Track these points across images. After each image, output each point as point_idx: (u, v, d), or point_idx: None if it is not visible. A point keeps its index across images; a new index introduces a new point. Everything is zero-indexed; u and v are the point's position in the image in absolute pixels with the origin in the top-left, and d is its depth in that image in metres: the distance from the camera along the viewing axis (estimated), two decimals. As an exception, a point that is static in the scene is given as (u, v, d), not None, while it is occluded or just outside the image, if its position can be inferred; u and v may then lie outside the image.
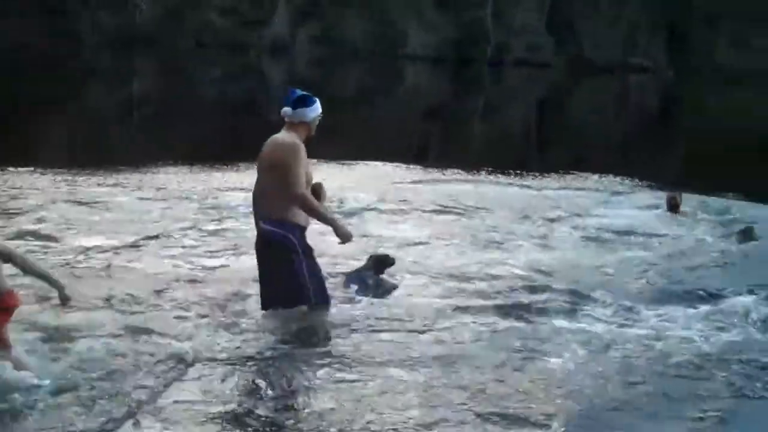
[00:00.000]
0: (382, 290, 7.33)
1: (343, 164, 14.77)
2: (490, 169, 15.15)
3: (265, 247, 6.20)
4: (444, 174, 14.69)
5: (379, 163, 15.18)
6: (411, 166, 15.31)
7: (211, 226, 9.69)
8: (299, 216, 6.17)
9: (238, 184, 11.95)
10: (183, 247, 8.70)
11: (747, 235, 10.63)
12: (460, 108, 33.25)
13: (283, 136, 6.23)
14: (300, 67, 47.53)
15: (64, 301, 5.17)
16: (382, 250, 8.14)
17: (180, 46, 45.67)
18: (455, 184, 13.83)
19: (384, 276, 7.53)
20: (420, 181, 13.77)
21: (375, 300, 7.06)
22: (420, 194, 12.44)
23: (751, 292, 7.78)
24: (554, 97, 43.44)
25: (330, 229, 6.36)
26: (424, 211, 11.32)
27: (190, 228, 9.50)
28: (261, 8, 51.73)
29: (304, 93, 6.34)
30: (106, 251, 8.31)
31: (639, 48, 62.45)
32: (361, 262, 7.64)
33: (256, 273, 6.53)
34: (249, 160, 13.91)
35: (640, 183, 14.84)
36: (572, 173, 15.32)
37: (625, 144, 24.53)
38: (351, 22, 54.96)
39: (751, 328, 6.94)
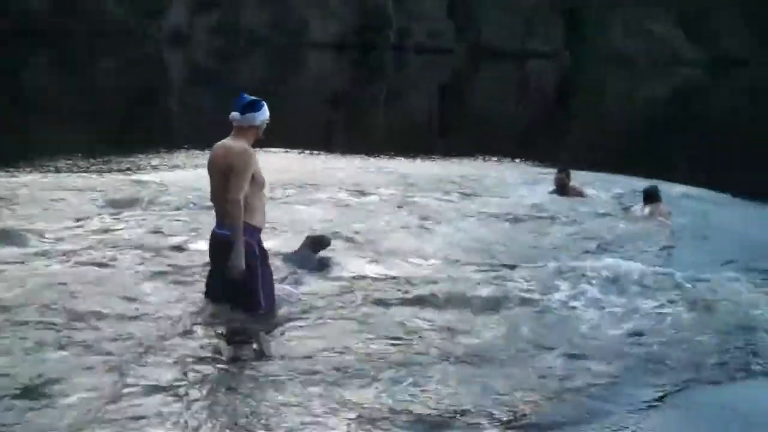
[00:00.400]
0: (322, 268, 7.57)
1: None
2: (392, 153, 15.27)
3: (222, 250, 6.15)
4: (348, 159, 14.78)
5: (281, 151, 15.11)
6: (315, 153, 15.32)
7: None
8: (256, 218, 6.23)
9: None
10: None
11: (652, 195, 11.09)
12: (363, 95, 33.36)
13: (233, 142, 6.23)
14: (199, 57, 46.84)
15: None
16: (305, 233, 8.23)
17: (74, 36, 44.29)
18: (360, 169, 13.92)
19: (321, 255, 7.74)
20: (326, 167, 13.79)
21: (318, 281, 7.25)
22: (329, 178, 12.48)
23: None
24: (456, 84, 43.99)
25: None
26: (337, 193, 11.47)
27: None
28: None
29: (253, 98, 6.39)
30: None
31: (537, 33, 63.69)
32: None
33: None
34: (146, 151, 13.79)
35: (538, 165, 15.20)
36: (474, 157, 15.60)
37: (525, 128, 25.05)
38: (251, 10, 54.40)
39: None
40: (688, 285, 7.61)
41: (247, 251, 6.09)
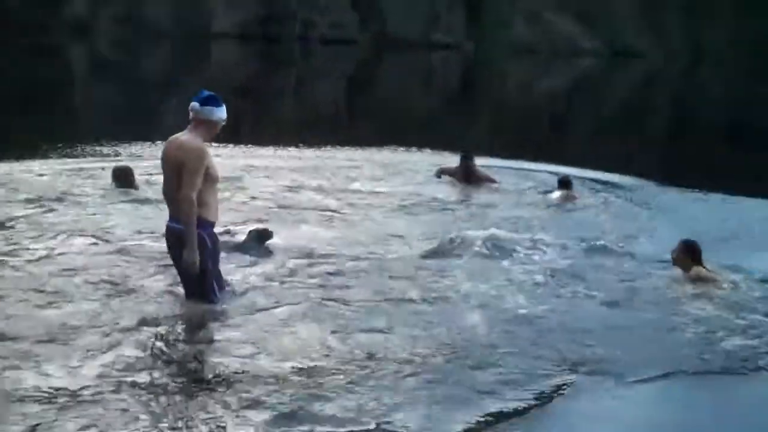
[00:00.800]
0: (267, 256, 7.94)
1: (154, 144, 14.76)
2: (300, 145, 15.52)
3: (176, 244, 6.25)
4: (257, 149, 14.96)
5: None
6: (223, 145, 15.41)
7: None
8: (210, 212, 6.31)
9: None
10: None
11: (565, 183, 11.75)
12: (269, 86, 33.39)
13: (187, 137, 6.25)
14: (103, 48, 45.94)
15: None
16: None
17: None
18: (271, 158, 14.16)
19: (265, 247, 8.07)
20: (232, 156, 13.93)
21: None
22: (240, 169, 12.68)
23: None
24: (361, 74, 44.35)
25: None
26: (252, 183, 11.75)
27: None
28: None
29: (214, 94, 6.40)
30: None
31: (441, 24, 64.62)
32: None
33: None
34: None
35: (441, 153, 15.66)
36: (381, 146, 15.98)
37: (430, 117, 25.59)
38: (155, 1, 53.59)
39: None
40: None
41: (200, 244, 6.16)
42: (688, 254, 7.71)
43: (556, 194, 11.84)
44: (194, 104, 6.26)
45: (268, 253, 8.07)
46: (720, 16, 71.07)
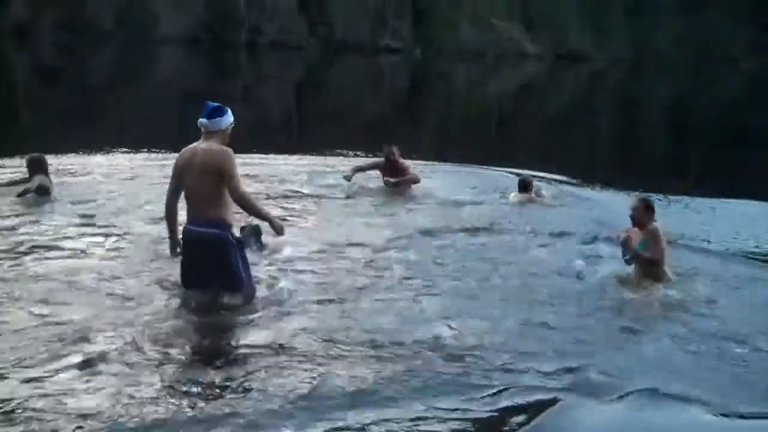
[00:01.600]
0: (262, 249, 8.46)
1: (105, 153, 14.65)
2: (255, 150, 15.48)
3: (204, 246, 6.52)
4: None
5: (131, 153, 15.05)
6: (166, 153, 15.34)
7: None
8: (232, 215, 6.71)
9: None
10: None
11: (524, 184, 11.92)
12: (217, 91, 33.19)
13: (208, 145, 6.60)
14: (44, 52, 45.18)
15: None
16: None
17: None
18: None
19: (261, 241, 8.52)
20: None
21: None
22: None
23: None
24: (310, 79, 44.34)
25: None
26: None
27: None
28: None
29: (218, 104, 6.78)
30: None
31: (387, 28, 64.89)
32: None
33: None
34: None
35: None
36: (326, 151, 16.09)
37: (378, 121, 25.71)
38: (97, 3, 52.85)
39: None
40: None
41: (224, 242, 6.52)
42: (649, 210, 8.01)
43: (517, 196, 11.83)
44: (203, 121, 6.67)
45: (263, 246, 8.45)
46: (666, 15, 72.66)
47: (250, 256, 7.43)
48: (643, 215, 7.97)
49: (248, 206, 6.69)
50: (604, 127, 28.79)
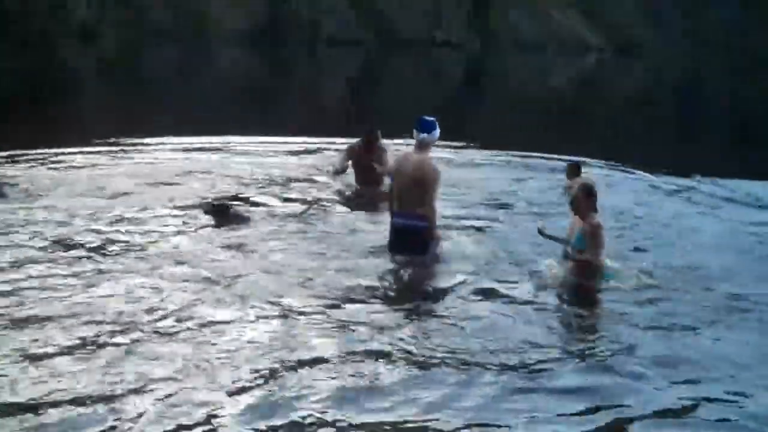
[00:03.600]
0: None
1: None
2: (318, 146, 15.58)
3: (412, 236, 8.06)
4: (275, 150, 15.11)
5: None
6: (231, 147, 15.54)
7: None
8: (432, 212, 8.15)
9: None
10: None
11: (570, 170, 11.82)
12: (279, 87, 33.46)
13: (423, 157, 8.08)
14: (110, 52, 45.98)
15: None
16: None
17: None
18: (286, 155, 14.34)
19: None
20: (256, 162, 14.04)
21: None
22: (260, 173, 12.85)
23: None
24: (369, 74, 44.40)
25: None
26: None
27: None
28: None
29: (431, 119, 8.02)
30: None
31: (444, 22, 64.59)
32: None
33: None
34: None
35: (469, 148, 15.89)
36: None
37: (444, 114, 25.59)
38: (158, 2, 53.67)
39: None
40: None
41: (426, 232, 8.07)
42: (590, 197, 7.67)
43: (566, 182, 11.79)
44: (423, 136, 7.99)
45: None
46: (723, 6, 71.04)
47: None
48: (583, 203, 7.63)
49: (431, 216, 8.01)
50: (670, 120, 28.29)
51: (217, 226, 8.96)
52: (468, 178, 12.64)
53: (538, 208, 10.85)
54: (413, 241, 8.06)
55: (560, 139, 18.12)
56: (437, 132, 7.98)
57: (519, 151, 15.43)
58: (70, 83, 31.24)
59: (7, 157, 12.74)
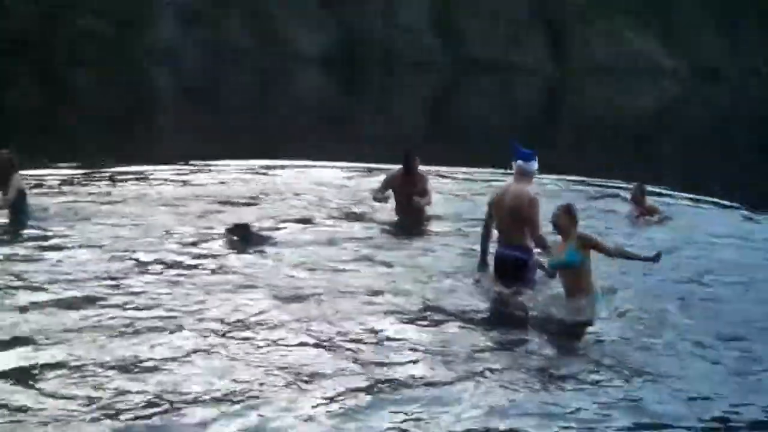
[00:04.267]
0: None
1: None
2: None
3: (512, 265, 8.19)
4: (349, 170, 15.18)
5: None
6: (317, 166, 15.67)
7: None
8: (530, 242, 8.25)
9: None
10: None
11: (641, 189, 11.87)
12: (355, 109, 33.69)
13: (522, 188, 8.14)
14: (187, 72, 46.91)
15: None
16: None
17: (56, 51, 43.72)
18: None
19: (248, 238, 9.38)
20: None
21: None
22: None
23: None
24: (446, 97, 44.34)
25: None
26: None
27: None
28: (143, 11, 50.54)
29: (531, 150, 8.13)
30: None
31: (521, 46, 64.05)
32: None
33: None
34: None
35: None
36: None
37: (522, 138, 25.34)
38: (235, 25, 54.49)
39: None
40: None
41: (528, 263, 8.13)
42: (571, 216, 7.85)
43: (629, 208, 11.95)
44: (522, 164, 8.08)
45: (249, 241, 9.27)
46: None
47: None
48: (565, 222, 7.79)
49: (541, 246, 8.12)
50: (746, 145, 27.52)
51: (238, 248, 9.05)
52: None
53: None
54: (513, 271, 8.16)
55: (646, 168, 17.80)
56: (535, 163, 8.04)
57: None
58: (150, 103, 31.96)
59: (84, 174, 13.19)
